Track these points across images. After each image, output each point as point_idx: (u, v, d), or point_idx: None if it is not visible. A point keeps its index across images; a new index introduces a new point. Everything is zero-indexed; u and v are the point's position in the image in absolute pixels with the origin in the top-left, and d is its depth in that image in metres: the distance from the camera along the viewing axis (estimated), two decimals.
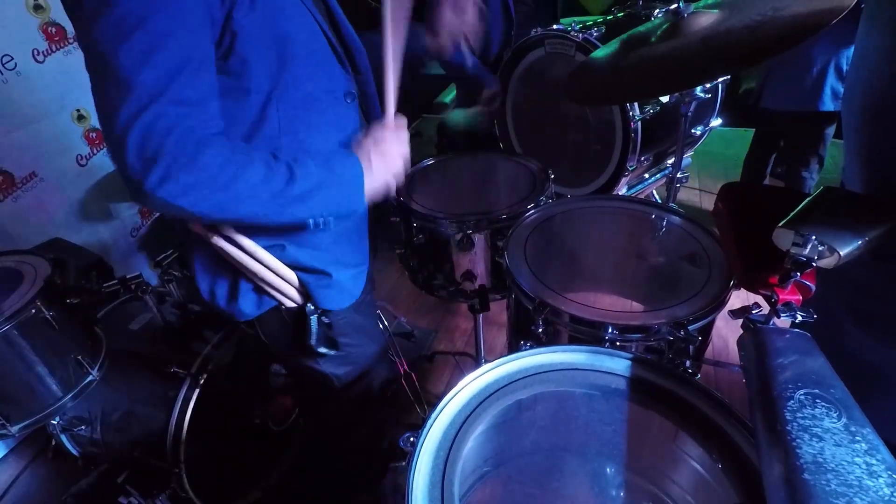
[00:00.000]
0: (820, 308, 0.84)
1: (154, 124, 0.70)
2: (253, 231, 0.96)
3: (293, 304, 1.06)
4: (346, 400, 1.26)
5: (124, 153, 0.70)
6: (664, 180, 2.20)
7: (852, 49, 2.32)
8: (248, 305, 1.05)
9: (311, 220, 0.90)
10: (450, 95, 4.42)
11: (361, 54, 1.03)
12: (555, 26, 1.96)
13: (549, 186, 1.46)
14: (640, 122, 1.82)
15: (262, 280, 1.00)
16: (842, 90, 2.35)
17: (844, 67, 2.32)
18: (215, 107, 0.79)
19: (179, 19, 0.71)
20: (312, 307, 1.06)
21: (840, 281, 0.94)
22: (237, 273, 1.01)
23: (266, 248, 0.98)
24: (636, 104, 1.82)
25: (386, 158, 0.96)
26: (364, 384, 1.25)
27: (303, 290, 1.05)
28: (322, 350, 1.09)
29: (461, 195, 1.61)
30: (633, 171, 1.96)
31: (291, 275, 1.02)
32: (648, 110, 1.84)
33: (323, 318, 1.08)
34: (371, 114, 1.09)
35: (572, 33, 1.86)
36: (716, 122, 2.17)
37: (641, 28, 1.39)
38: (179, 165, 0.72)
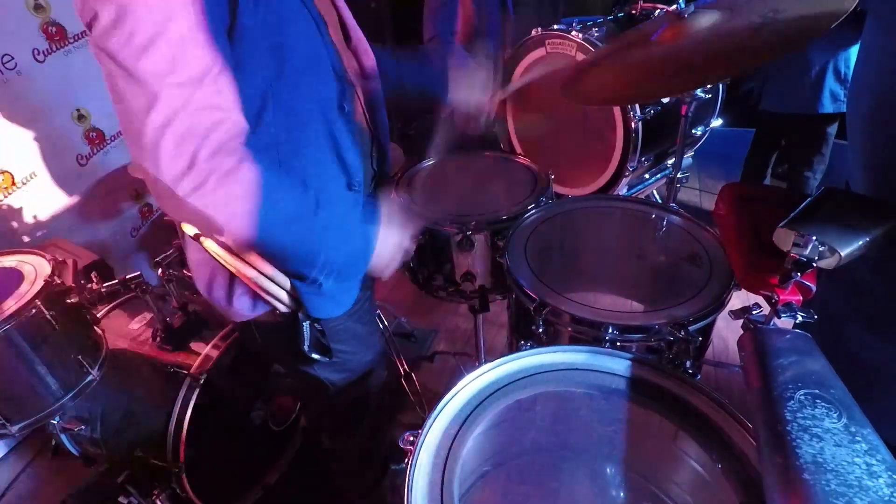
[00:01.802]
0: (822, 308, 0.84)
1: (188, 132, 0.70)
2: None
3: (286, 309, 1.05)
4: (340, 405, 1.26)
5: (158, 160, 0.70)
6: (664, 180, 2.21)
7: (850, 52, 2.33)
8: (242, 306, 1.05)
9: (315, 270, 0.92)
10: None
11: (369, 56, 1.02)
12: (555, 26, 1.96)
13: (549, 187, 1.46)
14: (640, 123, 1.82)
15: (255, 284, 0.99)
16: (841, 92, 2.35)
17: (843, 70, 2.32)
18: (241, 113, 0.78)
19: (196, 26, 0.70)
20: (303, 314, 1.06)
21: (843, 281, 0.94)
22: (232, 273, 1.01)
23: None
24: (636, 104, 1.82)
25: (395, 242, 1.03)
26: (359, 391, 1.24)
27: (293, 294, 1.03)
28: (315, 356, 1.08)
29: (461, 195, 1.61)
30: (633, 171, 1.96)
31: (285, 280, 1.00)
32: (649, 111, 1.84)
33: (316, 325, 1.07)
34: (378, 125, 1.09)
35: (573, 33, 1.86)
36: (716, 122, 2.18)
37: (641, 27, 1.39)
38: (216, 176, 0.73)
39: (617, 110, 1.85)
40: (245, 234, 0.81)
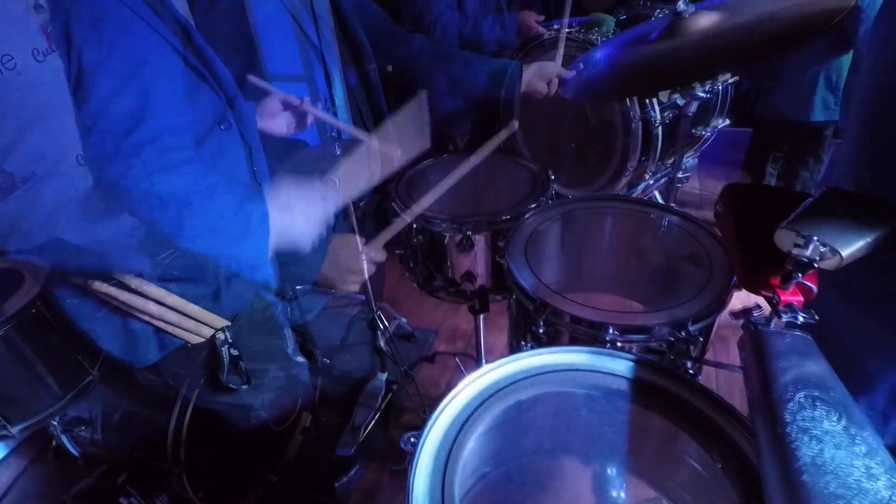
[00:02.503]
0: (824, 307, 0.84)
1: (110, 127, 0.74)
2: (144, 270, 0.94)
3: (201, 339, 1.01)
4: (266, 429, 1.22)
5: (87, 147, 0.77)
6: (665, 180, 2.21)
7: (843, 60, 2.35)
8: (149, 350, 1.00)
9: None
10: None
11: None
12: (555, 26, 1.95)
13: (549, 187, 1.46)
14: (640, 123, 1.81)
15: (162, 320, 0.95)
16: (832, 100, 2.38)
17: (834, 78, 2.35)
18: (187, 121, 0.80)
19: (151, 45, 0.74)
20: (222, 337, 1.01)
21: (847, 281, 0.94)
22: (126, 316, 0.96)
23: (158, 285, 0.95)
24: (636, 104, 1.82)
25: (308, 209, 0.96)
26: (292, 408, 1.21)
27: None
28: (232, 386, 1.05)
29: (461, 195, 1.60)
30: (634, 170, 1.96)
31: (193, 307, 0.97)
32: (648, 111, 1.84)
33: (232, 350, 1.03)
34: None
35: (584, 36, 1.85)
36: (721, 122, 2.18)
37: (641, 26, 1.39)
38: (137, 172, 0.75)
39: (626, 111, 1.85)
40: (181, 235, 0.82)
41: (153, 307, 0.91)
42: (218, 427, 1.17)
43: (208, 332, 0.98)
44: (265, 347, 1.08)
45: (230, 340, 1.01)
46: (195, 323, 0.96)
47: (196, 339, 0.99)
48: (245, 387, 1.06)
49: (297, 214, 0.94)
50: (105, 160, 0.74)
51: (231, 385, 1.03)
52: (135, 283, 0.90)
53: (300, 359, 1.05)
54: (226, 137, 0.91)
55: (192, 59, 0.84)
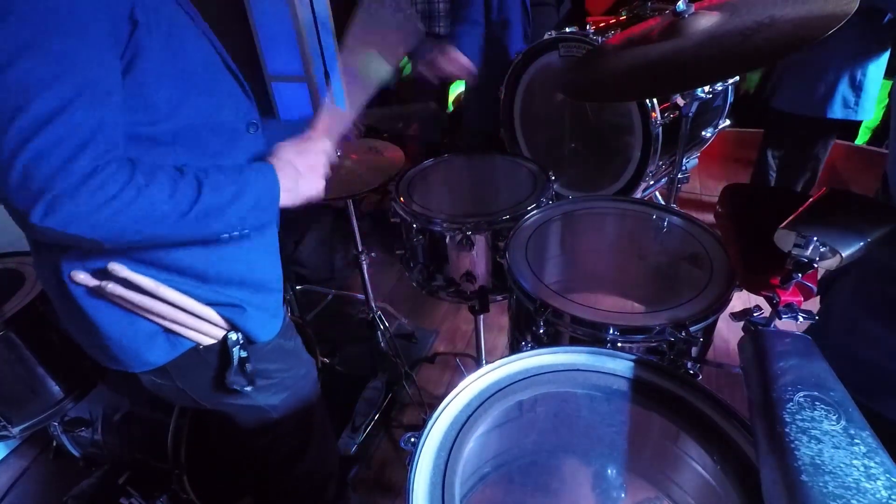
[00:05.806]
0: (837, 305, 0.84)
1: (43, 153, 0.64)
2: (152, 269, 0.88)
3: (213, 340, 0.97)
4: (286, 428, 1.19)
5: (7, 178, 0.64)
6: (665, 180, 2.20)
7: (869, 59, 2.28)
8: (157, 352, 0.94)
9: (225, 234, 0.87)
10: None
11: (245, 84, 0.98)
12: (567, 29, 1.94)
13: (549, 187, 1.46)
14: (661, 128, 1.80)
15: (174, 321, 0.91)
16: (853, 99, 2.31)
17: (858, 77, 2.28)
18: (117, 133, 0.73)
19: (82, 39, 0.66)
20: (234, 338, 0.97)
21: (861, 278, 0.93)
22: (133, 315, 0.90)
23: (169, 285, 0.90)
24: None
25: (308, 161, 0.95)
26: (302, 408, 1.19)
27: (228, 324, 0.97)
28: (237, 388, 1.01)
29: (461, 196, 1.61)
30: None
31: (206, 308, 0.93)
32: (668, 115, 1.82)
33: (241, 353, 0.99)
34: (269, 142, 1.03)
35: (590, 36, 1.84)
36: (723, 122, 2.18)
37: (642, 26, 1.39)
38: (67, 196, 0.66)
39: (636, 115, 1.84)
40: (121, 241, 0.75)
41: (164, 308, 0.90)
42: (223, 428, 1.16)
43: (219, 333, 0.97)
44: (276, 346, 1.08)
45: (241, 341, 0.99)
46: (208, 324, 0.95)
47: (208, 341, 0.96)
48: (249, 388, 1.04)
49: (300, 169, 0.93)
50: (38, 189, 0.67)
51: (234, 387, 1.01)
52: (149, 284, 0.86)
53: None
54: (252, 141, 0.93)
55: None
